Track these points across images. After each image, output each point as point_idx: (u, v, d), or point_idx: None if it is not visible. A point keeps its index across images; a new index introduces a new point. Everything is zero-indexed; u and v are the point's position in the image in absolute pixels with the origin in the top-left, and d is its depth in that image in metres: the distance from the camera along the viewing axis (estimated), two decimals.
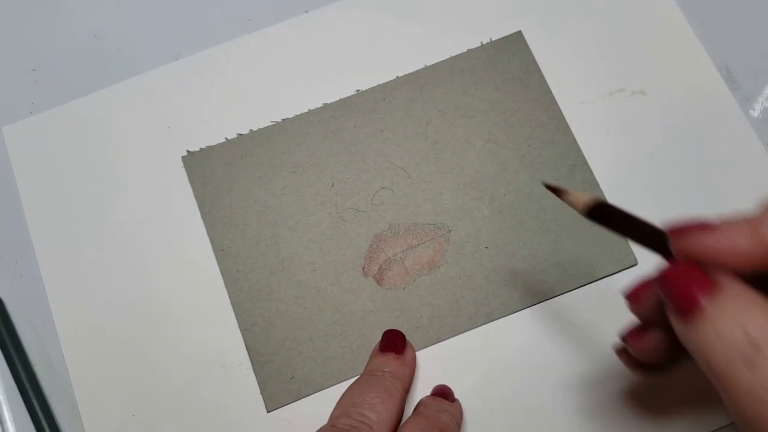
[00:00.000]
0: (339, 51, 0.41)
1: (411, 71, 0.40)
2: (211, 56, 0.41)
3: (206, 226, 0.38)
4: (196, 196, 0.39)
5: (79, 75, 0.42)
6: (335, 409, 0.31)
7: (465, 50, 0.41)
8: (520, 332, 0.36)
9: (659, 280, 0.23)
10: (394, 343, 0.35)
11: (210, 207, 0.39)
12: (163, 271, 0.38)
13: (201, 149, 0.40)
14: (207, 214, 0.38)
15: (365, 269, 0.37)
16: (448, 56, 0.41)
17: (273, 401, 0.36)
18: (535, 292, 0.37)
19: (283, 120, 0.40)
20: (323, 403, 0.35)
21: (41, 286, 0.38)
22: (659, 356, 0.26)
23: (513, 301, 0.36)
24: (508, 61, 0.40)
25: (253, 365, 0.36)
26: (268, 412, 0.36)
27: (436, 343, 0.36)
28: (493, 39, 0.41)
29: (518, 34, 0.41)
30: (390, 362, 0.34)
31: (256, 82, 0.41)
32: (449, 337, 0.36)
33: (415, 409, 0.33)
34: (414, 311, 0.37)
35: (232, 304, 0.37)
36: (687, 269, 0.22)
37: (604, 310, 0.36)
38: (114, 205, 0.39)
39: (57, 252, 0.38)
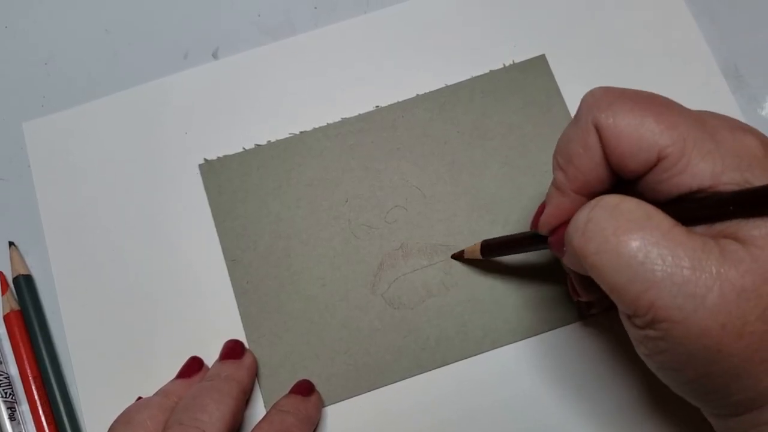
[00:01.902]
0: (360, 66, 0.41)
1: (431, 90, 0.40)
2: (230, 65, 0.41)
3: (219, 236, 0.38)
4: (210, 205, 0.39)
5: (91, 68, 0.42)
6: (170, 418, 0.32)
7: (487, 71, 0.40)
8: (527, 360, 0.36)
9: (551, 248, 0.30)
10: (233, 350, 0.35)
11: (224, 216, 0.39)
12: (173, 278, 0.38)
13: (218, 158, 0.40)
14: (221, 223, 0.39)
15: (375, 287, 0.37)
16: (469, 76, 0.40)
17: None
18: (544, 321, 0.36)
19: (301, 132, 0.40)
20: (325, 420, 0.36)
21: (52, 284, 0.38)
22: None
23: (522, 328, 0.36)
24: (530, 84, 0.40)
25: (258, 378, 0.36)
26: None
27: (442, 366, 0.36)
28: (515, 61, 0.41)
29: (541, 58, 0.41)
30: (225, 367, 0.35)
31: (275, 93, 0.41)
32: (455, 361, 0.36)
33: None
34: (421, 332, 0.37)
35: (240, 315, 0.37)
36: (555, 233, 0.29)
37: (615, 340, 0.36)
38: (128, 208, 0.39)
39: (68, 252, 0.39)
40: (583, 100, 0.27)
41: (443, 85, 0.40)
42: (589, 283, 0.31)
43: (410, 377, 0.36)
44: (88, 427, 0.36)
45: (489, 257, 0.36)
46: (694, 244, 0.23)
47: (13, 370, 0.37)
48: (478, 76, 0.40)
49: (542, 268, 0.37)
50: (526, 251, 0.35)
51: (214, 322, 0.37)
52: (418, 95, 0.40)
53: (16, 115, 0.41)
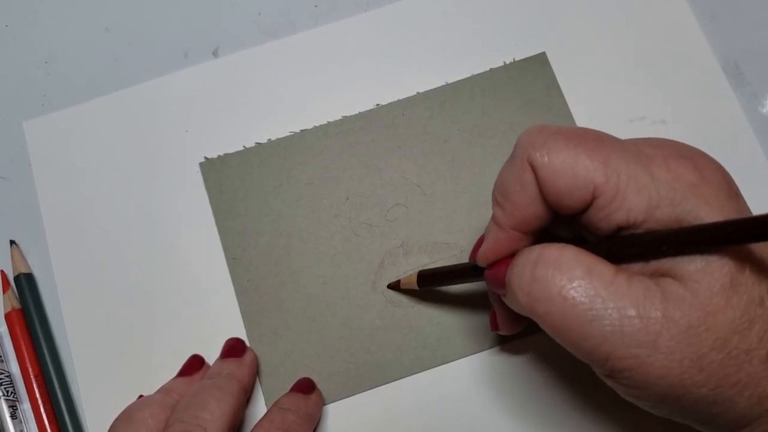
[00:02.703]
0: (360, 64, 0.41)
1: (432, 88, 0.40)
2: (231, 63, 0.41)
3: (220, 234, 0.38)
4: (211, 203, 0.39)
5: (91, 67, 0.42)
6: (171, 416, 0.32)
7: (487, 69, 0.40)
8: (530, 356, 0.36)
9: (487, 281, 0.29)
10: (234, 348, 0.36)
11: (225, 214, 0.39)
12: (174, 276, 0.38)
13: (219, 156, 0.40)
14: (221, 221, 0.39)
15: (375, 285, 0.37)
16: (469, 74, 0.40)
17: None
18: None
19: (302, 131, 0.40)
20: (326, 419, 0.36)
21: (53, 283, 0.38)
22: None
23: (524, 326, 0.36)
24: (531, 82, 0.40)
25: (259, 376, 0.36)
26: None
27: (443, 364, 0.36)
28: (516, 59, 0.41)
29: (542, 56, 0.41)
30: (227, 365, 0.35)
31: (275, 91, 0.41)
32: (457, 359, 0.36)
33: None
34: (422, 330, 0.37)
35: (241, 313, 0.37)
36: (492, 267, 0.29)
37: None
38: (128, 207, 0.39)
39: (69, 251, 0.39)
40: (519, 138, 0.27)
41: (444, 83, 0.40)
42: (514, 318, 0.32)
43: (411, 375, 0.36)
44: (89, 425, 0.36)
45: (426, 287, 0.36)
46: (637, 292, 0.24)
47: (15, 369, 0.37)
48: (478, 74, 0.40)
49: None
50: (464, 282, 0.35)
51: (214, 320, 0.37)
52: (418, 93, 0.40)
53: (17, 114, 0.41)
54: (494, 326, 0.34)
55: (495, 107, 0.40)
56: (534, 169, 0.26)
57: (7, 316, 0.38)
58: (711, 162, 0.26)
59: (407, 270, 0.37)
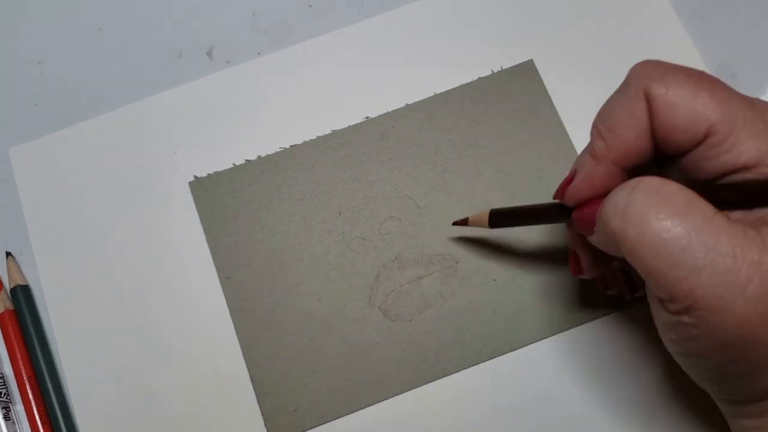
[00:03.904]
0: (348, 77, 0.41)
1: (421, 99, 0.40)
2: (218, 81, 0.41)
3: (212, 254, 0.38)
4: (202, 222, 0.38)
5: (84, 68, 0.42)
6: None
7: (475, 78, 0.40)
8: (527, 367, 0.36)
9: (574, 223, 0.29)
10: None
11: (216, 233, 0.38)
12: (167, 297, 0.38)
13: (208, 175, 0.39)
14: (213, 240, 0.38)
15: (371, 300, 0.37)
16: (458, 84, 0.40)
17: None
18: (543, 327, 0.36)
19: (291, 146, 0.40)
20: None
21: (44, 307, 0.38)
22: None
23: (521, 336, 0.36)
24: (519, 90, 0.40)
25: (257, 396, 0.36)
26: None
27: (443, 377, 0.36)
28: (504, 67, 0.41)
29: (530, 63, 0.41)
30: None
31: (264, 107, 0.40)
32: (456, 371, 0.36)
33: None
34: (420, 344, 0.36)
35: (237, 333, 0.37)
36: (582, 207, 0.28)
37: (613, 346, 0.36)
38: (119, 229, 0.39)
39: (60, 274, 0.38)
40: (633, 69, 0.26)
41: (432, 94, 0.40)
42: (600, 259, 0.31)
43: (411, 390, 0.36)
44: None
45: (496, 227, 0.34)
46: (736, 232, 0.23)
47: (8, 370, 0.37)
48: (466, 84, 0.40)
49: (539, 274, 0.37)
50: (541, 223, 0.32)
51: (210, 340, 0.37)
52: (407, 105, 0.40)
53: (8, 115, 0.41)
54: (576, 270, 0.32)
55: (484, 116, 0.40)
56: (649, 101, 0.25)
57: (0, 318, 0.37)
58: None
59: (402, 284, 0.37)
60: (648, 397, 0.35)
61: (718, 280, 0.22)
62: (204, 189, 0.39)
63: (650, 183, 0.24)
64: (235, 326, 0.37)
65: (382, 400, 0.36)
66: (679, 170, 0.27)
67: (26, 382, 0.36)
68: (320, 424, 0.35)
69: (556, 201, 0.29)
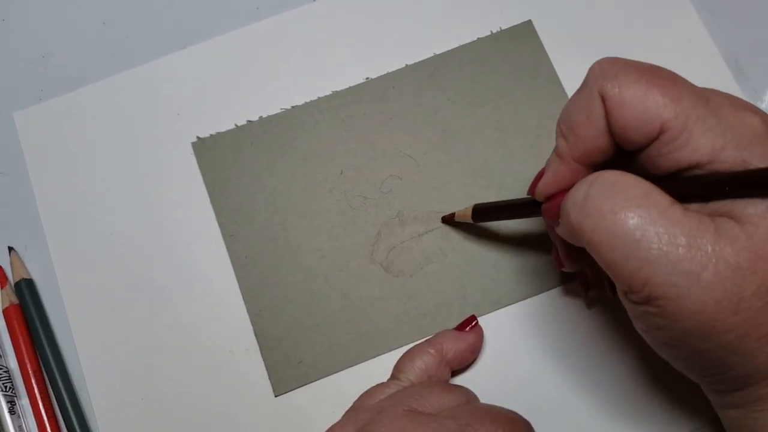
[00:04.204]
0: (348, 39, 0.41)
1: (420, 59, 0.40)
2: (220, 44, 0.41)
3: (215, 212, 0.38)
4: (205, 182, 0.39)
5: (89, 61, 0.42)
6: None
7: (474, 39, 0.41)
8: (527, 320, 0.36)
9: (543, 215, 0.30)
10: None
11: (219, 193, 0.39)
12: (171, 256, 0.38)
13: (211, 135, 0.40)
14: (216, 200, 0.39)
15: (373, 256, 0.38)
16: (457, 45, 0.41)
17: (280, 386, 0.36)
18: (542, 281, 0.37)
19: (293, 107, 0.40)
20: (330, 389, 0.36)
21: (51, 271, 0.38)
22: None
23: (520, 289, 0.37)
24: (518, 50, 0.40)
25: (261, 350, 0.36)
26: (275, 396, 0.36)
27: (444, 329, 0.36)
28: (502, 28, 0.41)
29: (528, 23, 0.41)
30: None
31: (265, 69, 0.41)
32: (456, 324, 0.36)
33: None
34: (421, 298, 0.37)
35: (240, 289, 0.37)
36: (550, 200, 0.29)
37: (610, 302, 0.36)
38: (123, 191, 0.39)
39: (66, 237, 0.39)
40: (591, 69, 0.27)
41: (432, 55, 0.41)
42: (575, 254, 0.32)
43: (413, 343, 0.36)
44: (97, 411, 0.36)
45: (480, 221, 0.36)
46: (690, 222, 0.23)
47: (13, 364, 0.37)
48: (466, 44, 0.41)
49: (538, 229, 0.37)
50: (519, 217, 0.35)
51: (215, 298, 0.37)
52: (407, 65, 0.40)
53: (14, 108, 0.41)
54: (558, 263, 0.33)
55: (484, 76, 0.40)
56: (604, 100, 0.26)
57: (5, 312, 0.37)
58: None
59: (403, 240, 0.38)
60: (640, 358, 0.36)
61: (673, 269, 0.23)
62: (207, 149, 0.39)
63: (607, 177, 0.25)
64: (238, 282, 0.37)
65: (384, 353, 0.36)
66: (640, 166, 0.27)
67: (31, 376, 0.36)
68: (323, 377, 0.36)
69: (530, 197, 0.31)
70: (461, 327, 0.35)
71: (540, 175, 0.30)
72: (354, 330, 0.36)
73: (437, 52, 0.41)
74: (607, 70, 0.26)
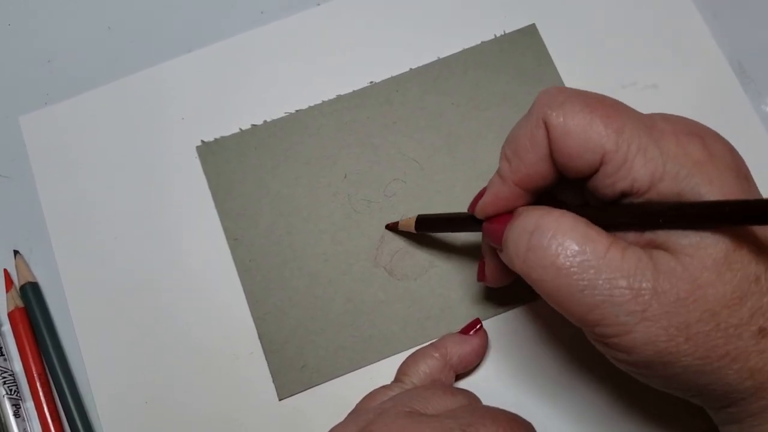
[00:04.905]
0: (352, 43, 0.41)
1: (424, 63, 0.41)
2: (224, 48, 0.42)
3: (220, 216, 0.39)
4: (210, 186, 0.39)
5: (94, 66, 0.42)
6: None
7: (478, 42, 0.41)
8: (531, 323, 0.36)
9: (484, 234, 0.30)
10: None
11: (224, 197, 0.39)
12: (176, 260, 0.38)
13: (215, 139, 0.40)
14: (220, 203, 0.39)
15: (377, 260, 0.38)
16: (461, 48, 0.41)
17: (284, 390, 0.36)
18: None
19: (297, 111, 0.40)
20: (334, 392, 0.36)
21: (56, 274, 0.38)
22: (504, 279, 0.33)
23: (525, 293, 0.37)
24: (522, 54, 0.40)
25: (265, 354, 0.36)
26: (279, 400, 0.36)
27: (448, 333, 0.36)
28: (506, 32, 0.41)
29: (532, 27, 0.41)
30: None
31: (269, 73, 0.41)
32: (461, 328, 0.36)
33: None
34: (425, 302, 0.37)
35: (245, 293, 0.37)
36: (491, 222, 0.30)
37: None
38: (128, 195, 0.39)
39: (71, 240, 0.39)
40: (537, 97, 0.27)
41: (436, 59, 0.41)
42: (503, 272, 0.32)
43: (416, 346, 0.36)
44: (101, 413, 0.36)
45: (423, 232, 0.36)
46: (630, 264, 0.24)
47: (18, 367, 0.37)
48: (469, 48, 0.41)
49: None
50: (460, 231, 0.35)
51: (219, 302, 0.37)
52: (411, 69, 0.41)
53: (19, 113, 0.41)
54: (482, 277, 0.34)
55: (488, 80, 0.40)
56: (547, 128, 0.26)
57: (11, 315, 0.38)
58: (721, 142, 0.26)
59: (407, 244, 0.38)
60: None
61: (619, 311, 0.24)
62: (211, 153, 0.40)
63: (546, 224, 0.26)
64: (243, 286, 0.37)
65: (388, 357, 0.36)
66: (582, 191, 0.28)
67: (36, 379, 0.36)
68: (327, 380, 0.36)
69: (471, 213, 0.31)
70: (466, 330, 0.35)
71: (481, 194, 0.30)
72: (358, 333, 0.36)
73: (441, 56, 0.41)
74: (553, 99, 0.26)
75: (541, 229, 0.26)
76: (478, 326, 0.35)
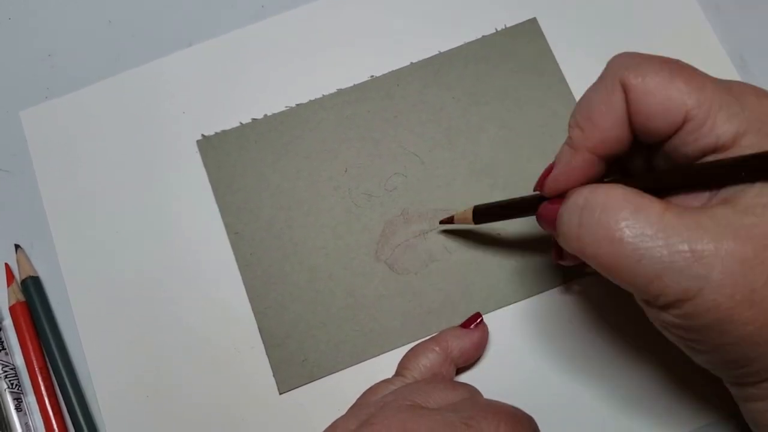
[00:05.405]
0: (352, 37, 0.41)
1: (425, 57, 0.40)
2: (225, 42, 0.42)
3: (220, 210, 0.39)
4: (210, 180, 0.39)
5: (94, 60, 0.42)
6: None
7: (479, 36, 0.41)
8: (532, 317, 0.36)
9: (539, 220, 0.30)
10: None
11: (224, 191, 0.39)
12: (177, 254, 0.38)
13: (216, 133, 0.40)
14: (221, 197, 0.39)
15: (378, 254, 0.38)
16: (462, 42, 0.41)
17: (285, 384, 0.36)
18: (547, 279, 0.37)
19: (297, 105, 0.40)
20: (335, 386, 0.36)
21: (57, 268, 0.38)
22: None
23: (525, 287, 0.37)
24: (522, 48, 0.40)
25: (266, 348, 0.36)
26: (280, 394, 0.36)
27: (449, 327, 0.36)
28: (507, 25, 0.41)
29: (533, 21, 0.41)
30: None
31: (270, 67, 0.41)
32: (461, 322, 0.36)
33: None
34: (426, 296, 0.37)
35: (245, 287, 0.37)
36: (544, 207, 0.29)
37: (615, 298, 0.36)
38: (129, 189, 0.39)
39: (72, 234, 0.39)
40: (610, 61, 0.27)
41: (437, 53, 0.41)
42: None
43: (417, 340, 0.36)
44: (103, 409, 0.36)
45: (482, 222, 0.36)
46: (688, 226, 0.23)
47: (20, 361, 0.37)
48: (470, 42, 0.41)
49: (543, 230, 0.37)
50: (523, 216, 0.34)
51: (220, 296, 0.37)
52: (412, 63, 0.40)
53: (20, 107, 0.41)
54: (556, 257, 0.34)
55: (488, 74, 0.40)
56: (625, 90, 0.26)
57: (12, 309, 0.38)
58: None
59: (408, 238, 0.38)
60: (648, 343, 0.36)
61: (681, 277, 0.23)
62: (212, 147, 0.40)
63: (596, 199, 0.25)
64: (243, 280, 0.37)
65: (389, 351, 0.36)
66: (661, 156, 0.27)
67: (38, 373, 0.36)
68: (328, 375, 0.36)
69: (536, 193, 0.30)
70: (466, 324, 0.35)
71: (548, 171, 0.29)
72: (359, 328, 0.36)
73: (442, 50, 0.41)
74: (629, 60, 0.26)
75: (591, 204, 0.25)
76: (478, 320, 0.35)
